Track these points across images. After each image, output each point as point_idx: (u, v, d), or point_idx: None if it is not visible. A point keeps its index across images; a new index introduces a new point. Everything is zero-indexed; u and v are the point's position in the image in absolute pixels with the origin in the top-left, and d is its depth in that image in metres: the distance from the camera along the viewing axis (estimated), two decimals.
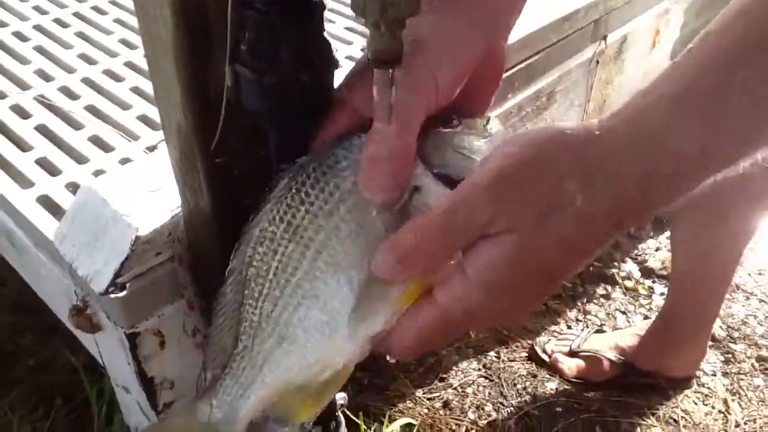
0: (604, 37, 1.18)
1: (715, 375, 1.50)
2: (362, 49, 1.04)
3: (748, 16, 0.37)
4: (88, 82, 0.99)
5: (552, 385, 1.45)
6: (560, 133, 0.38)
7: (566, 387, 1.46)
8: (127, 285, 0.66)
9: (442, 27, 0.45)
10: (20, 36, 1.09)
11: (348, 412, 1.16)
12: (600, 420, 1.39)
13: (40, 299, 0.88)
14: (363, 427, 1.20)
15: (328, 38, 0.51)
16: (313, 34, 0.49)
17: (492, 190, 0.37)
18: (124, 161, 0.84)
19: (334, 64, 0.50)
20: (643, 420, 1.42)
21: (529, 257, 0.38)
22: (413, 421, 1.24)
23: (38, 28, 1.11)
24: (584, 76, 1.18)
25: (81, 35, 1.09)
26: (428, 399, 1.35)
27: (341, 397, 0.86)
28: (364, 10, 0.40)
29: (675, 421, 1.43)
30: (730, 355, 1.55)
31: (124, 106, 0.94)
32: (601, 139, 0.38)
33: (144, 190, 0.69)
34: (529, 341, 1.57)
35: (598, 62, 1.18)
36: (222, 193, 0.58)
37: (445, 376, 1.41)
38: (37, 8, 1.16)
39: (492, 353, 1.52)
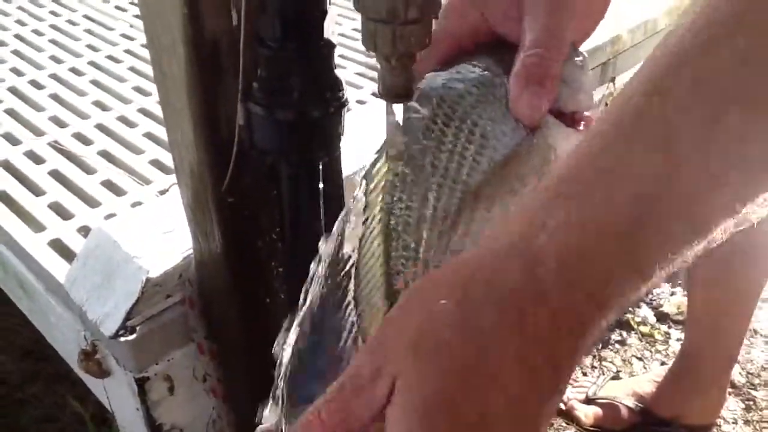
0: (612, 80, 1.18)
1: (736, 423, 1.46)
2: (373, 94, 1.05)
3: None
4: (102, 128, 1.00)
5: None
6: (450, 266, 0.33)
7: None
8: (137, 328, 0.65)
9: None
10: (36, 84, 1.11)
11: None
12: None
13: (50, 347, 0.88)
14: None
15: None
16: (325, 71, 0.49)
17: (370, 345, 0.32)
18: (136, 205, 0.84)
19: (345, 102, 0.51)
20: None
21: (428, 396, 0.30)
22: None
23: (54, 76, 1.13)
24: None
25: (95, 83, 1.11)
26: None
27: None
28: (375, 45, 0.40)
29: None
30: (750, 402, 1.51)
31: (137, 151, 0.94)
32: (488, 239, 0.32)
33: (155, 232, 0.68)
34: None
35: (606, 104, 1.19)
36: (234, 234, 0.58)
37: None
38: (53, 58, 1.19)
39: None
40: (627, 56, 1.19)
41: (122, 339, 0.65)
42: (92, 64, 1.16)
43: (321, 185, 0.54)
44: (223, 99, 0.50)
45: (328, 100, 0.49)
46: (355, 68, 1.11)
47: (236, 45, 0.47)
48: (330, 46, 0.48)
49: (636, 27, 1.18)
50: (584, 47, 1.11)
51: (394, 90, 0.42)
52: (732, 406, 1.49)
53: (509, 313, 0.29)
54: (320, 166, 0.52)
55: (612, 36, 1.12)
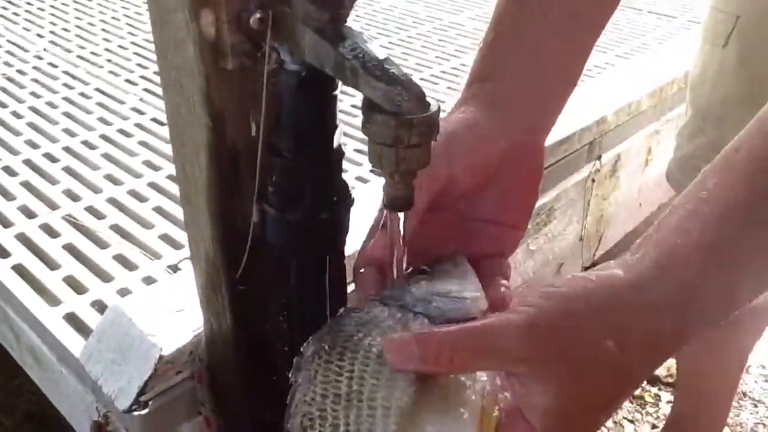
0: (599, 157, 1.25)
1: None
2: (372, 171, 1.10)
3: (752, 161, 0.41)
4: (114, 201, 1.05)
5: None
6: (584, 291, 0.41)
7: None
8: (149, 403, 0.69)
9: (464, 122, 0.52)
10: (50, 157, 1.16)
11: None
12: None
13: (52, 409, 0.91)
14: None
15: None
16: (334, 177, 0.54)
17: (521, 334, 0.41)
18: (147, 280, 0.89)
19: (351, 202, 0.56)
20: None
21: (573, 408, 0.41)
22: None
23: (67, 149, 1.19)
24: (581, 194, 1.24)
25: (107, 156, 1.17)
26: None
27: None
28: (380, 163, 0.46)
29: None
30: None
31: (148, 226, 0.99)
32: (633, 295, 0.41)
33: (167, 310, 0.73)
34: None
35: (593, 180, 1.25)
36: (244, 317, 0.62)
37: None
38: (66, 130, 1.24)
39: None
40: (612, 136, 1.26)
41: (135, 413, 0.68)
42: (104, 137, 1.22)
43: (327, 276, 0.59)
44: (240, 199, 0.55)
45: (336, 203, 0.54)
46: (354, 145, 1.17)
47: (254, 152, 0.53)
48: (339, 154, 0.53)
49: (620, 108, 1.25)
50: (572, 128, 1.19)
51: (396, 202, 0.47)
52: None
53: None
54: (327, 261, 0.57)
55: (598, 117, 1.19)
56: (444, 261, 0.52)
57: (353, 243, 0.80)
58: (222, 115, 0.52)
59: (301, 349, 0.50)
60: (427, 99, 0.44)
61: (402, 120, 0.43)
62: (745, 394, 1.73)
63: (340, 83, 0.50)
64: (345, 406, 0.45)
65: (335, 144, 0.53)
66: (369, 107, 0.44)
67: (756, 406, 1.71)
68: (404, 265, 0.51)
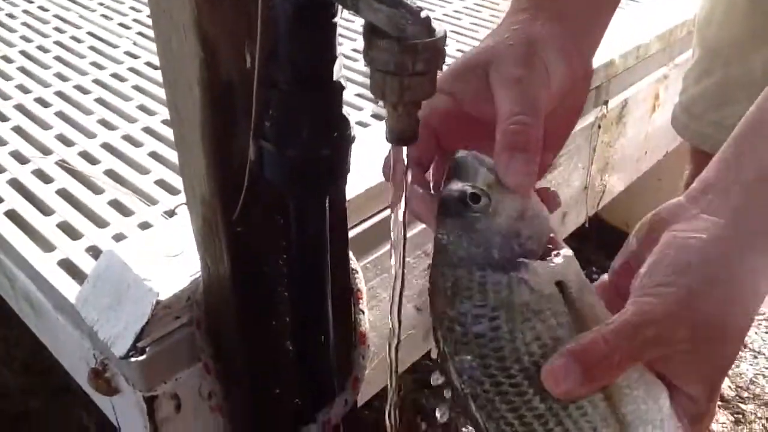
0: (605, 103, 1.21)
1: None
2: (373, 115, 1.07)
3: None
4: (108, 147, 1.02)
5: None
6: (720, 257, 0.40)
7: None
8: (147, 349, 0.68)
9: (550, 31, 0.47)
10: (42, 102, 1.13)
11: None
12: None
13: (51, 360, 0.90)
14: None
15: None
16: (333, 112, 0.52)
17: (675, 314, 0.39)
18: (143, 225, 0.86)
19: (352, 138, 0.53)
20: None
21: (723, 373, 0.42)
22: None
23: (60, 94, 1.16)
24: (587, 140, 1.21)
25: (100, 101, 1.13)
26: None
27: None
28: (383, 94, 0.43)
29: None
30: (740, 416, 1.54)
31: (143, 171, 0.97)
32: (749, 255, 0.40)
33: (164, 255, 0.71)
34: None
35: (600, 126, 1.22)
36: (241, 261, 0.60)
37: None
38: (58, 75, 1.21)
39: None
40: (619, 80, 1.22)
41: (132, 359, 0.67)
42: (97, 81, 1.19)
43: (327, 217, 0.57)
44: (235, 136, 0.53)
45: (336, 139, 0.52)
46: (354, 89, 1.14)
47: (249, 86, 0.50)
48: (338, 88, 0.50)
49: (628, 52, 1.21)
50: None
51: (400, 135, 0.44)
52: (722, 419, 1.52)
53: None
54: (327, 200, 0.55)
55: (605, 61, 1.15)
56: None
57: (356, 186, 0.79)
58: (215, 46, 0.49)
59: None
60: (433, 24, 0.41)
61: (406, 45, 0.40)
62: (745, 345, 1.73)
63: (339, 9, 0.47)
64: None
65: (335, 76, 0.50)
66: (371, 32, 0.41)
67: (756, 357, 1.71)
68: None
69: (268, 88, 0.50)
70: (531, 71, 0.45)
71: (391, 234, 0.50)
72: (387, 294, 0.97)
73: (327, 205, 0.57)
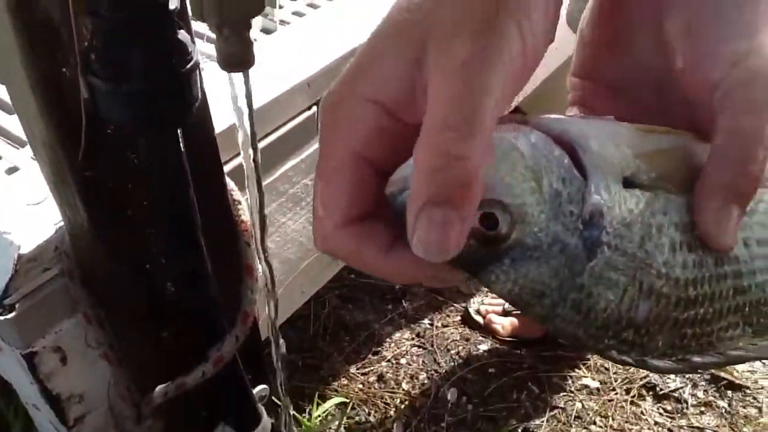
0: None
1: None
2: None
3: None
4: None
5: (485, 347, 1.48)
6: None
7: (499, 347, 1.49)
8: (17, 305, 0.63)
9: None
10: None
11: (277, 400, 1.16)
12: (532, 376, 1.42)
13: None
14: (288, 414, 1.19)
15: (188, 37, 0.49)
16: (167, 37, 0.47)
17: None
18: (11, 170, 0.80)
19: (193, 64, 0.49)
20: (575, 371, 1.47)
21: None
22: (345, 400, 1.25)
23: None
24: None
25: None
26: (362, 374, 1.36)
27: (261, 389, 0.85)
28: (202, 14, 0.38)
29: (606, 369, 1.48)
30: None
31: (9, 111, 0.89)
32: None
33: (24, 203, 0.66)
34: (463, 304, 1.59)
35: None
36: (98, 207, 0.56)
37: (378, 349, 1.42)
38: None
39: (425, 321, 1.54)
40: None
41: (1, 318, 0.63)
42: None
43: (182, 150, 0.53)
44: (61, 71, 0.48)
45: (174, 66, 0.47)
46: None
47: (68, 15, 0.44)
48: (166, 9, 0.45)
49: None
50: None
51: (230, 60, 0.40)
52: None
53: None
54: (179, 133, 0.50)
55: None
56: None
57: (222, 119, 0.74)
58: None
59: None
60: None
61: None
62: None
63: None
64: None
65: None
66: None
67: None
68: None
69: (87, 16, 0.44)
70: (488, 41, 0.27)
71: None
72: (286, 218, 0.94)
73: (180, 137, 0.52)
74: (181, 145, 0.53)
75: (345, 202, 0.29)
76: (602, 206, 0.30)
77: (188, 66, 0.48)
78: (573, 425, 1.35)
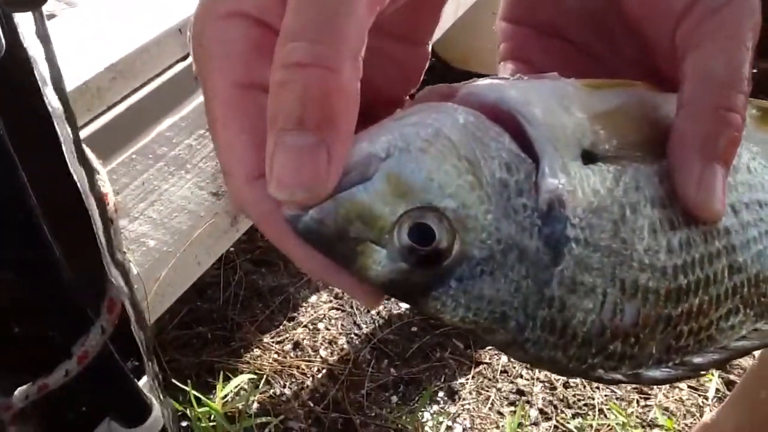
0: None
1: None
2: None
3: None
4: None
5: (406, 305, 1.42)
6: None
7: None
8: None
9: None
10: None
11: (176, 381, 1.07)
12: (456, 332, 1.38)
13: None
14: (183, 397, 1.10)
15: None
16: None
17: None
18: None
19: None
20: None
21: None
22: (253, 377, 1.17)
23: None
24: None
25: None
26: (277, 343, 1.28)
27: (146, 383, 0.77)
28: None
29: None
30: None
31: None
32: None
33: None
34: None
35: None
36: None
37: (294, 315, 1.35)
38: None
39: None
40: None
41: None
42: None
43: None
44: None
45: None
46: None
47: None
48: None
49: None
50: None
51: None
52: None
53: None
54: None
55: None
56: None
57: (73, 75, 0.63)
58: None
59: None
60: None
61: None
62: None
63: None
64: None
65: None
66: None
67: None
68: None
69: None
70: None
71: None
72: (169, 185, 0.84)
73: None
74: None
75: (248, 146, 0.23)
76: (561, 192, 0.25)
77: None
78: (499, 380, 1.31)
